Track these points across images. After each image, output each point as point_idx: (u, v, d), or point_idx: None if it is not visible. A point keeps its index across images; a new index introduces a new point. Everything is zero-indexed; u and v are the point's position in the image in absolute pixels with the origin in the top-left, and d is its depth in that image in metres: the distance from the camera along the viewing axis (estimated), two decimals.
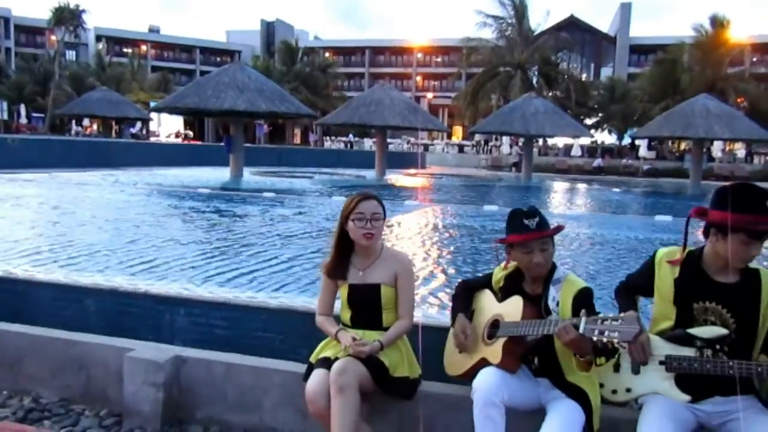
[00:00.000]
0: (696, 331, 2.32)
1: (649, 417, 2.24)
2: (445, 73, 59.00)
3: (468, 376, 2.53)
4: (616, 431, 2.47)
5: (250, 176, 17.82)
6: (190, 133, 48.67)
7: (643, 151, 36.23)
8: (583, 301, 2.41)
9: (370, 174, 21.35)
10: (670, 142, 38.87)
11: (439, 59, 61.86)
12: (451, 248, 7.47)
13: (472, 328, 2.63)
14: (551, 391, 2.44)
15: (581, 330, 2.15)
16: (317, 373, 2.55)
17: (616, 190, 21.00)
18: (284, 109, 16.61)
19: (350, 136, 46.84)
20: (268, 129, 46.25)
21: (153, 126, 44.20)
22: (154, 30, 67.52)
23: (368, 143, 44.03)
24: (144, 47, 62.88)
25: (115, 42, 61.09)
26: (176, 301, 3.77)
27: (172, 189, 13.95)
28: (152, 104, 36.31)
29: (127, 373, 3.01)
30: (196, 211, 10.34)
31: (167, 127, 47.76)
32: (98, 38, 60.03)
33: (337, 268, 2.79)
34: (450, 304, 2.86)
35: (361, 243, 2.72)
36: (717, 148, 35.35)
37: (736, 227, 2.17)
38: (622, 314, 2.12)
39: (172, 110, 20.23)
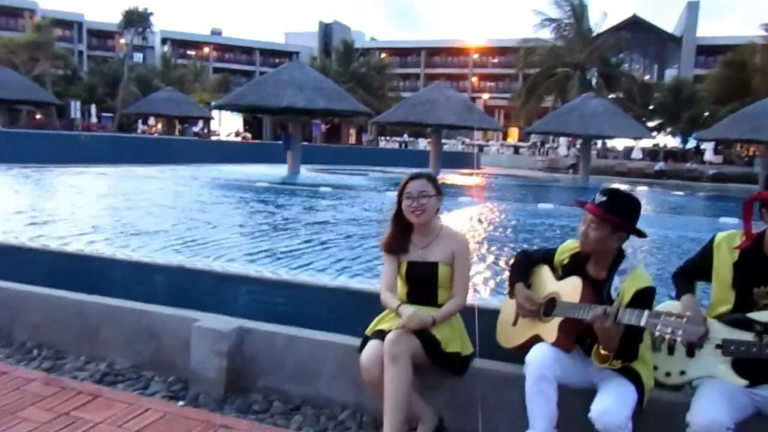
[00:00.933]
0: (756, 315, 2.30)
1: (704, 398, 2.24)
2: (501, 74, 58.43)
3: (520, 350, 2.57)
4: (669, 415, 2.47)
5: (306, 173, 18.20)
6: (249, 135, 49.97)
7: (708, 155, 34.83)
8: (645, 300, 2.35)
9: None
10: (738, 146, 37.18)
11: (495, 60, 61.25)
12: (504, 242, 7.46)
13: (533, 301, 2.64)
14: (604, 371, 2.45)
15: (643, 322, 2.14)
16: (372, 344, 2.65)
17: (679, 193, 20.33)
18: (341, 106, 16.90)
19: (404, 136, 46.98)
20: (325, 128, 46.92)
21: (214, 125, 45.67)
22: (216, 33, 69.56)
23: (422, 143, 44.07)
24: (206, 49, 64.94)
25: (179, 44, 63.29)
26: (238, 279, 3.97)
27: (233, 183, 14.45)
28: (213, 104, 37.66)
29: (194, 341, 3.20)
30: (255, 201, 10.73)
31: (227, 127, 49.26)
32: (164, 41, 62.33)
33: (394, 245, 2.90)
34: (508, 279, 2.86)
35: (412, 220, 2.82)
36: None
37: None
38: (688, 313, 2.12)
39: (233, 108, 20.87)
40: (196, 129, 45.06)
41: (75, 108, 32.79)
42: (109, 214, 8.16)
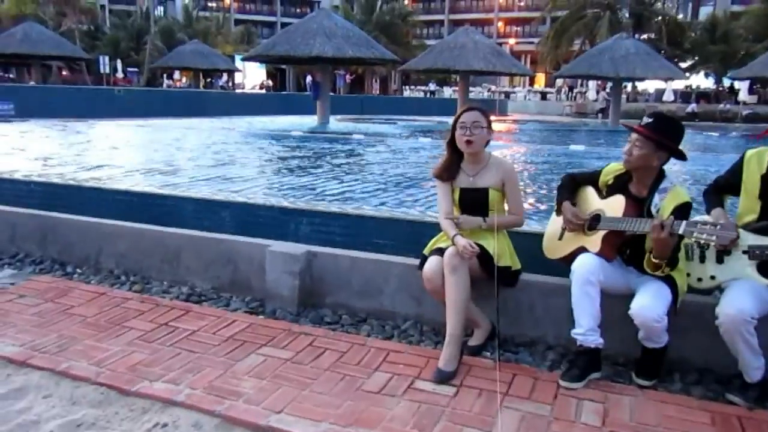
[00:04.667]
0: None
1: (732, 292, 2.55)
2: (528, 18, 56.69)
3: (566, 261, 2.89)
4: (700, 315, 2.76)
5: (335, 122, 18.43)
6: (270, 83, 49.98)
7: (743, 95, 33.89)
8: (683, 214, 2.62)
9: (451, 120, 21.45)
10: None
11: (522, 3, 59.47)
12: (538, 180, 7.71)
13: (579, 216, 2.93)
14: (642, 276, 2.77)
15: (681, 230, 2.43)
16: (433, 258, 3.00)
17: (713, 134, 20.09)
18: (369, 54, 16.91)
19: (430, 84, 46.48)
20: (350, 79, 46.63)
21: (238, 78, 45.71)
22: None
23: (447, 92, 43.61)
24: (227, 0, 64.31)
25: None
26: (299, 212, 4.34)
27: (268, 132, 14.82)
28: (237, 56, 37.56)
29: (269, 263, 3.59)
30: (295, 148, 11.09)
31: (252, 79, 49.24)
32: None
33: (446, 171, 3.17)
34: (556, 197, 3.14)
35: (463, 149, 3.09)
36: None
37: None
38: (722, 221, 2.39)
39: (263, 59, 21.00)
40: (221, 82, 45.21)
41: (104, 63, 33.07)
42: (172, 161, 8.66)
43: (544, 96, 44.70)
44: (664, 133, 2.70)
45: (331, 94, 20.49)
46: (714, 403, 2.60)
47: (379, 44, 19.78)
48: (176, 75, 44.67)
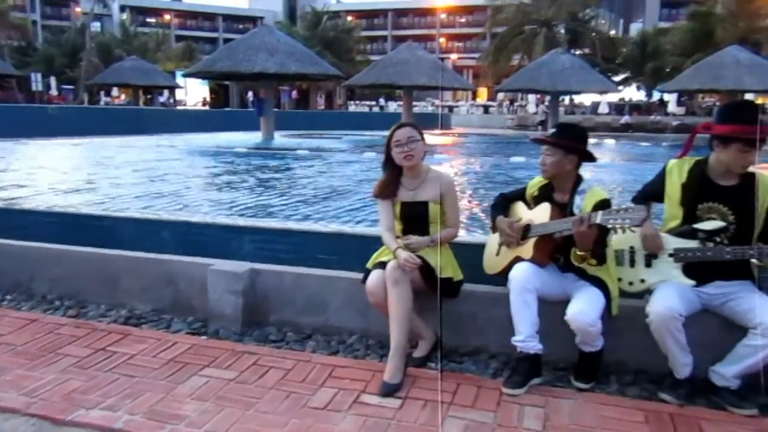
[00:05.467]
0: (699, 225, 2.73)
1: (660, 292, 2.68)
2: (469, 34, 58.19)
3: (504, 273, 2.97)
4: (633, 316, 2.87)
5: (281, 138, 18.31)
6: (208, 99, 49.39)
7: (672, 107, 35.71)
8: (601, 209, 2.75)
9: None
10: (700, 97, 38.12)
11: (463, 20, 61.00)
12: (478, 190, 7.89)
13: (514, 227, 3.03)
14: (577, 282, 2.88)
15: (599, 219, 2.57)
16: (376, 272, 3.02)
17: (645, 144, 21.01)
18: (313, 70, 16.94)
19: (381, 100, 46.84)
20: (297, 96, 46.51)
21: (180, 95, 44.91)
22: None
23: (393, 107, 44.08)
24: (167, 16, 63.21)
25: (139, 12, 61.39)
26: (242, 230, 4.29)
27: (210, 149, 14.57)
28: (178, 73, 36.89)
29: (211, 283, 3.53)
30: (239, 165, 10.95)
31: (194, 95, 48.47)
32: (122, 8, 60.39)
33: (386, 189, 3.21)
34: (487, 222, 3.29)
35: (404, 164, 3.15)
36: None
37: (735, 137, 2.57)
38: (631, 205, 2.54)
39: (205, 75, 20.67)
40: (162, 99, 44.25)
41: (36, 80, 31.93)
42: (97, 179, 8.37)
43: (486, 109, 45.77)
44: (569, 138, 2.89)
45: (276, 110, 20.38)
46: (647, 402, 2.71)
47: (324, 60, 19.85)
48: (114, 92, 43.47)
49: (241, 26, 60.29)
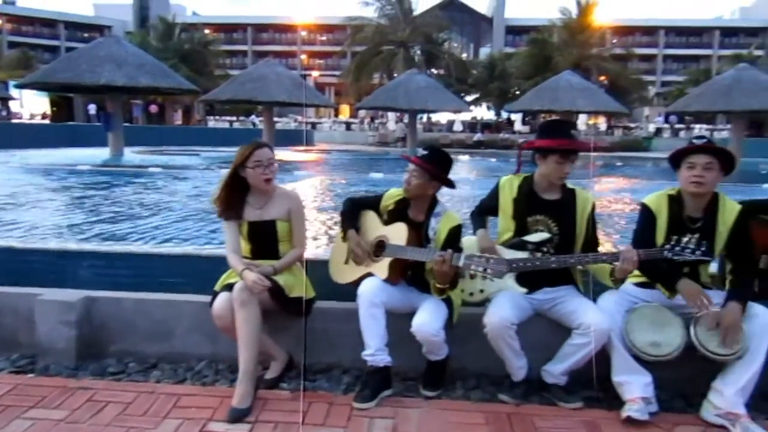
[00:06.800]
0: (528, 237, 2.96)
1: (495, 303, 2.87)
2: (330, 52, 58.92)
3: (355, 285, 3.00)
4: (474, 325, 3.04)
5: (132, 154, 17.25)
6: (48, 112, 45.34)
7: (518, 126, 38.67)
8: (455, 235, 2.94)
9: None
10: (542, 117, 41.66)
11: (324, 37, 61.68)
12: (335, 208, 7.98)
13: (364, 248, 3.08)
14: (422, 294, 2.99)
15: (461, 263, 2.69)
16: (223, 295, 2.92)
17: (494, 160, 22.53)
18: (166, 84, 16.18)
19: (253, 116, 45.66)
20: (156, 110, 44.01)
21: (15, 107, 40.73)
22: (9, 2, 61.50)
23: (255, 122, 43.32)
24: None
25: None
26: (77, 255, 3.96)
27: (47, 167, 13.33)
28: (11, 83, 33.44)
29: (39, 314, 3.21)
30: (80, 185, 10.12)
31: (32, 108, 44.18)
32: None
33: (231, 210, 3.11)
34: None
35: (261, 187, 3.08)
36: (582, 122, 38.50)
37: (551, 150, 2.84)
38: (495, 256, 2.69)
39: (41, 86, 18.95)
40: None
41: None
42: None
43: (348, 126, 46.45)
44: (438, 165, 2.98)
45: (128, 125, 19.16)
46: (488, 404, 2.87)
47: (179, 73, 19.05)
48: None
49: (86, 35, 56.12)
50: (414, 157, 3.01)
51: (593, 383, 2.84)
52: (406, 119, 31.10)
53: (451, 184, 3.06)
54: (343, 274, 3.16)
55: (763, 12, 57.47)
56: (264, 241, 3.14)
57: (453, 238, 2.93)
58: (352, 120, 48.62)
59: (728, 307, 2.64)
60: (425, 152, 3.04)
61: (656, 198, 2.90)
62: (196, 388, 2.98)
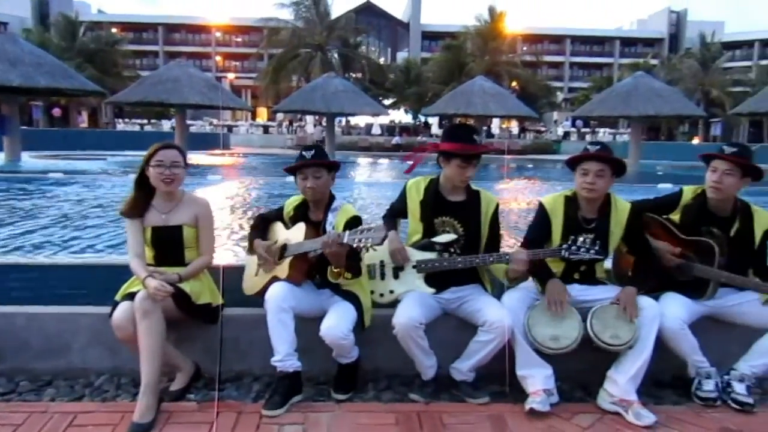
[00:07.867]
0: (436, 238, 3.02)
1: (404, 303, 2.90)
2: (246, 54, 57.82)
3: (262, 294, 2.96)
4: (385, 325, 3.06)
5: (30, 159, 16.18)
6: None
7: (435, 129, 39.47)
8: (354, 225, 2.91)
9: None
10: (457, 120, 42.73)
11: (239, 39, 60.38)
12: (248, 212, 7.84)
13: (270, 250, 3.05)
14: (331, 298, 2.98)
15: (345, 239, 2.69)
16: (123, 304, 2.78)
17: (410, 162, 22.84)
18: (68, 84, 15.28)
19: (172, 119, 43.78)
20: (59, 113, 41.45)
21: None
22: None
23: (167, 125, 41.78)
24: None
25: None
26: None
27: None
28: None
29: None
30: None
31: None
32: None
33: (135, 209, 3.01)
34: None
35: (161, 188, 2.98)
36: (495, 125, 39.85)
37: (453, 153, 2.91)
38: (373, 225, 2.72)
39: None
40: None
41: None
42: None
43: (266, 129, 45.74)
44: (330, 163, 3.04)
45: (27, 128, 17.95)
46: (399, 404, 2.90)
47: (84, 73, 18.08)
48: None
49: None
50: (316, 161, 3.00)
51: (504, 378, 2.93)
52: (324, 122, 31.05)
53: (336, 167, 3.11)
54: (254, 286, 3.13)
55: (658, 24, 61.76)
56: (169, 247, 3.03)
57: (351, 228, 2.89)
58: (269, 123, 47.88)
59: (624, 289, 2.86)
60: (312, 151, 3.04)
61: (553, 199, 3.04)
62: (94, 405, 2.83)
